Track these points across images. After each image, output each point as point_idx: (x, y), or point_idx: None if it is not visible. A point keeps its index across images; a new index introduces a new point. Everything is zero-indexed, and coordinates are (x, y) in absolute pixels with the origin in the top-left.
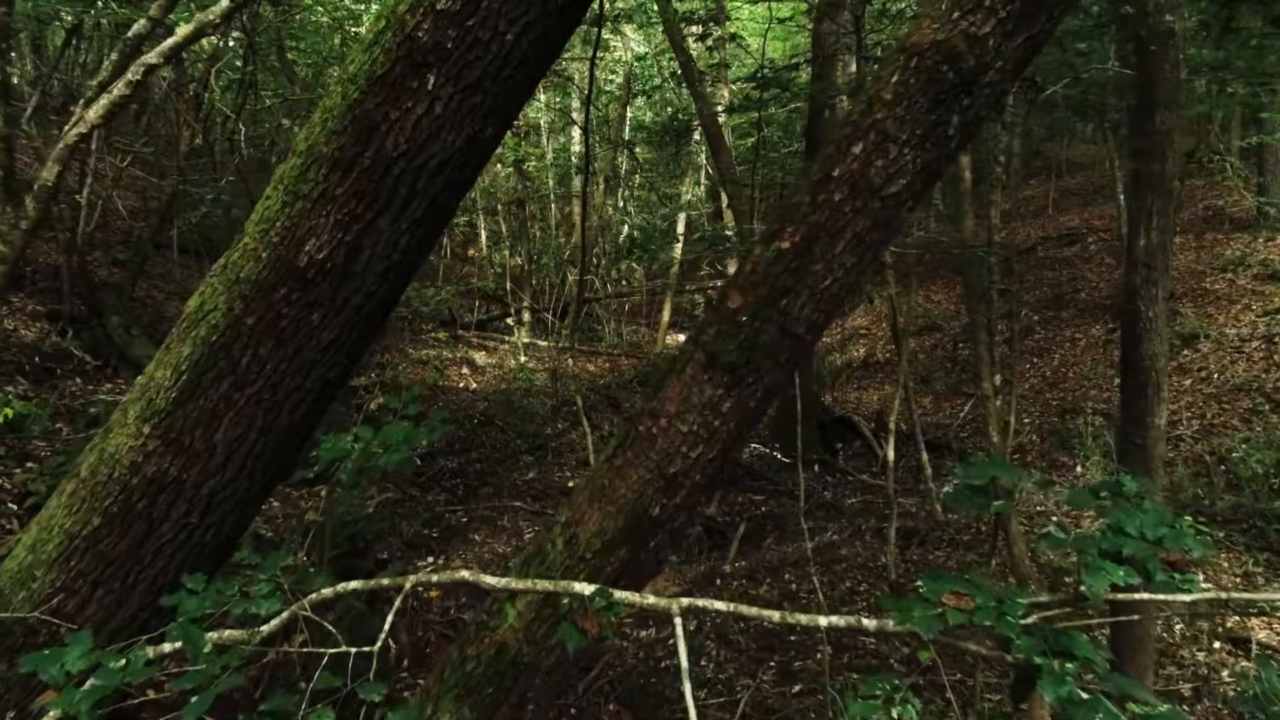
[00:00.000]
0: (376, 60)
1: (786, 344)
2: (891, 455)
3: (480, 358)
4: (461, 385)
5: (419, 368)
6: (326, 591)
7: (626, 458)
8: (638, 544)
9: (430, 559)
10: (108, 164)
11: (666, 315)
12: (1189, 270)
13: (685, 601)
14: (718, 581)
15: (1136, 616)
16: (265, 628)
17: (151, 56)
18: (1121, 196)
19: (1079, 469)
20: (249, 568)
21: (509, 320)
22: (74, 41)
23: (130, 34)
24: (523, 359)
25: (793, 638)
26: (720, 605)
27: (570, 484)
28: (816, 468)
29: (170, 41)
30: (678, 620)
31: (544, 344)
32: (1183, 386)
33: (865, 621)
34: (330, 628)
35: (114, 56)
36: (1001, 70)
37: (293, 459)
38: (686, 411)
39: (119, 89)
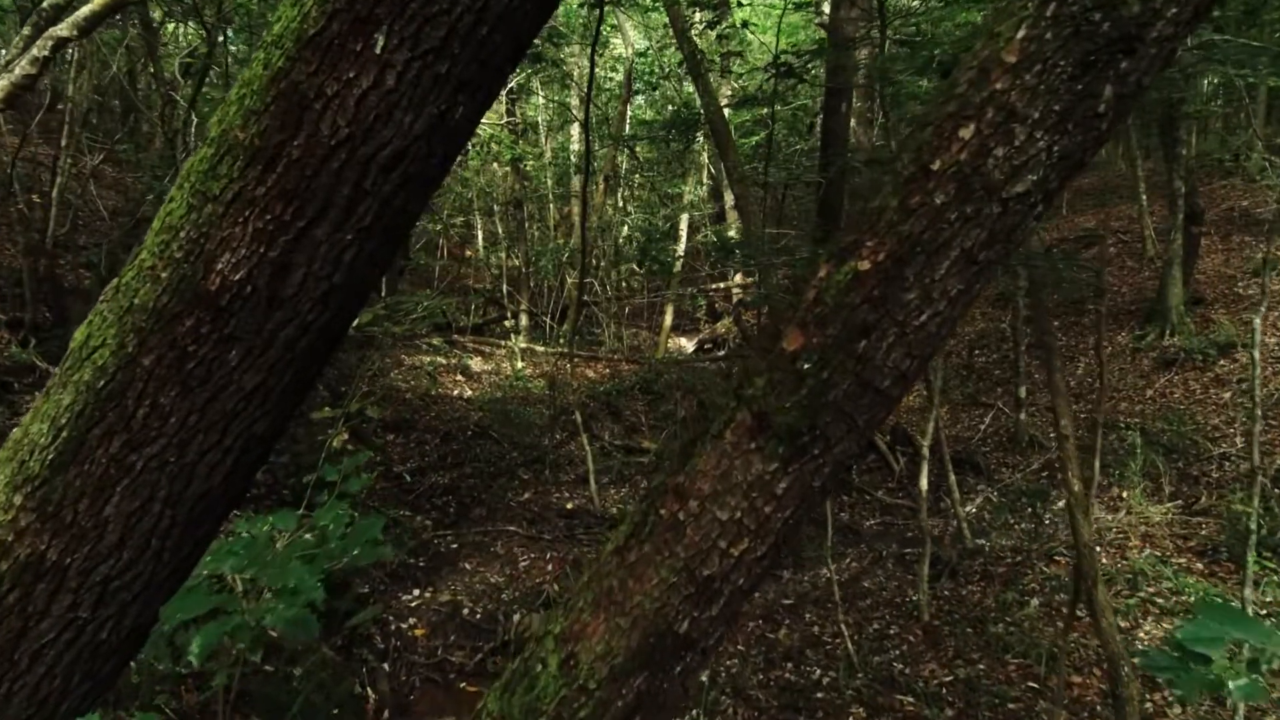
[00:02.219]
0: (308, 15)
1: (866, 401)
2: (925, 484)
3: (476, 363)
4: (456, 393)
5: (412, 375)
6: None
7: (644, 552)
8: (659, 670)
9: (417, 592)
10: (83, 163)
11: (669, 319)
12: (1218, 274)
13: None
14: None
15: None
16: None
17: (62, 29)
18: (1144, 197)
19: (1120, 492)
20: None
21: (507, 323)
22: None
23: (45, 4)
24: (520, 365)
25: (819, 695)
26: None
27: (569, 505)
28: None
29: (83, 12)
30: None
31: (541, 349)
32: (1221, 399)
33: None
34: None
35: (26, 30)
36: (1176, 20)
37: (214, 530)
38: (727, 492)
39: (22, 66)
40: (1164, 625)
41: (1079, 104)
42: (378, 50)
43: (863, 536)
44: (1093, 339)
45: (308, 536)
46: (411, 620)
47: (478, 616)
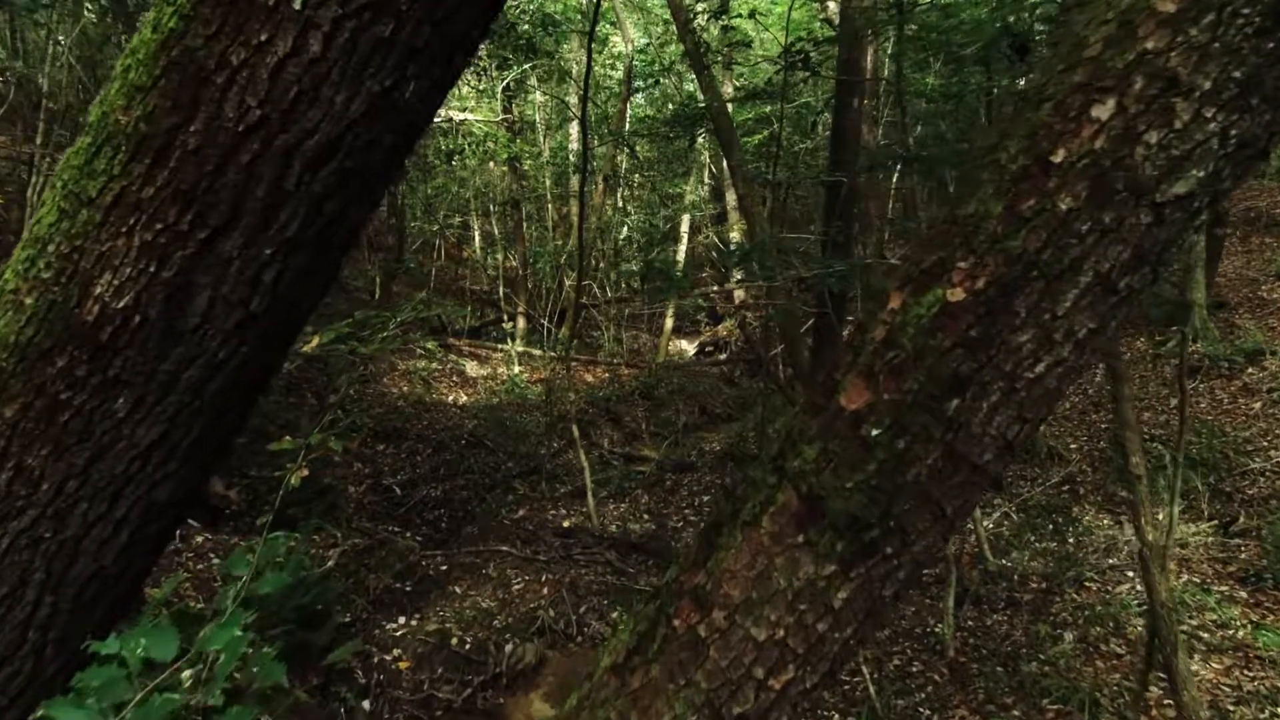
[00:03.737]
0: None
1: (958, 481)
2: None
3: (472, 368)
4: (450, 399)
5: (405, 380)
6: None
7: (651, 676)
8: None
9: (402, 619)
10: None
11: (669, 322)
12: (1240, 277)
13: None
14: None
15: None
16: None
17: None
18: None
19: (1155, 512)
20: None
21: (506, 326)
22: None
23: None
24: (517, 369)
25: None
26: None
27: (566, 523)
28: None
29: None
30: None
31: (538, 353)
32: (1251, 410)
33: None
34: None
35: None
36: None
37: (116, 615)
38: (765, 602)
39: None
40: (1212, 665)
41: (1270, 69)
42: (297, 5)
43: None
44: (1174, 365)
45: (186, 674)
46: (396, 651)
47: (467, 646)
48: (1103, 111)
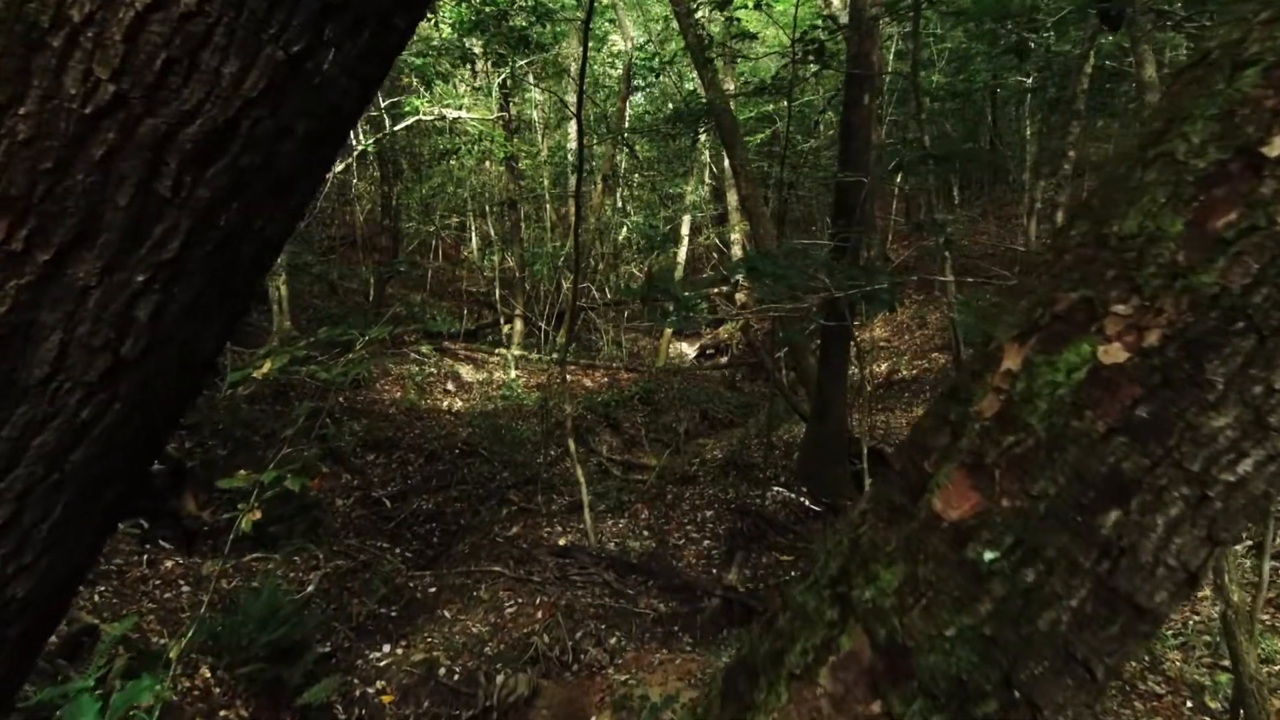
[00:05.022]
0: None
1: (1114, 631)
2: None
3: (467, 372)
4: (445, 406)
5: (398, 385)
6: None
7: None
8: None
9: (387, 648)
10: None
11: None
12: None
13: None
14: None
15: None
16: None
17: None
18: None
19: None
20: None
21: (504, 328)
22: None
23: None
24: (514, 374)
25: None
26: None
27: (562, 541)
28: None
29: None
30: None
31: (534, 357)
32: None
33: None
34: None
35: None
36: None
37: None
38: None
39: None
40: None
41: None
42: None
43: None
44: None
45: None
46: (380, 683)
47: (455, 677)
48: None
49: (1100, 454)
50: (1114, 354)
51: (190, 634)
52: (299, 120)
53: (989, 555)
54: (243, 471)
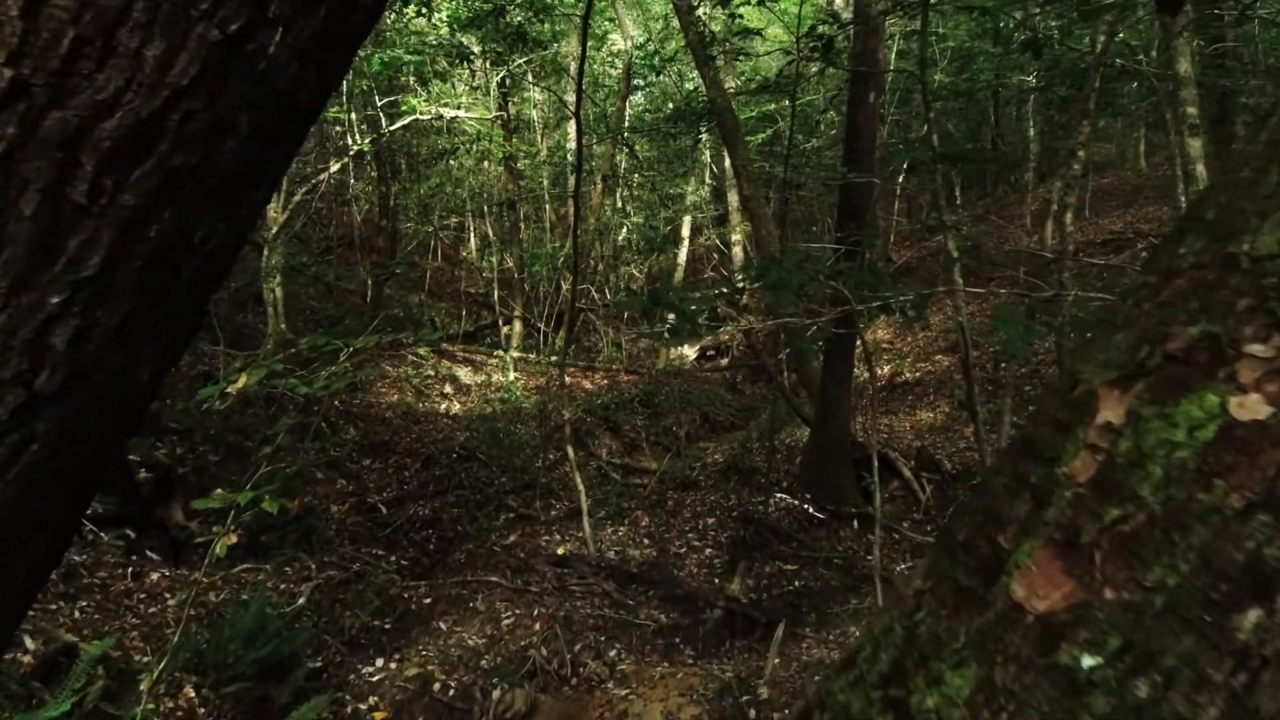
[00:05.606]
0: None
1: None
2: None
3: (465, 375)
4: (443, 409)
5: (394, 389)
6: None
7: None
8: None
9: (380, 662)
10: None
11: None
12: None
13: None
14: (754, 692)
15: None
16: None
17: None
18: (1183, 199)
19: None
20: None
21: (503, 329)
22: None
23: None
24: (512, 376)
25: None
26: None
27: (560, 550)
28: (856, 523)
29: None
30: None
31: (533, 359)
32: None
33: None
34: None
35: None
36: None
37: None
38: None
39: None
40: None
41: None
42: None
43: (893, 583)
44: None
45: None
46: (372, 699)
47: (450, 693)
48: None
49: (1235, 536)
50: (1251, 407)
51: (171, 653)
52: (242, 113)
53: (1088, 661)
54: (219, 491)
